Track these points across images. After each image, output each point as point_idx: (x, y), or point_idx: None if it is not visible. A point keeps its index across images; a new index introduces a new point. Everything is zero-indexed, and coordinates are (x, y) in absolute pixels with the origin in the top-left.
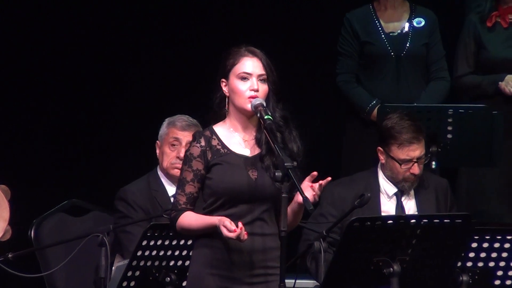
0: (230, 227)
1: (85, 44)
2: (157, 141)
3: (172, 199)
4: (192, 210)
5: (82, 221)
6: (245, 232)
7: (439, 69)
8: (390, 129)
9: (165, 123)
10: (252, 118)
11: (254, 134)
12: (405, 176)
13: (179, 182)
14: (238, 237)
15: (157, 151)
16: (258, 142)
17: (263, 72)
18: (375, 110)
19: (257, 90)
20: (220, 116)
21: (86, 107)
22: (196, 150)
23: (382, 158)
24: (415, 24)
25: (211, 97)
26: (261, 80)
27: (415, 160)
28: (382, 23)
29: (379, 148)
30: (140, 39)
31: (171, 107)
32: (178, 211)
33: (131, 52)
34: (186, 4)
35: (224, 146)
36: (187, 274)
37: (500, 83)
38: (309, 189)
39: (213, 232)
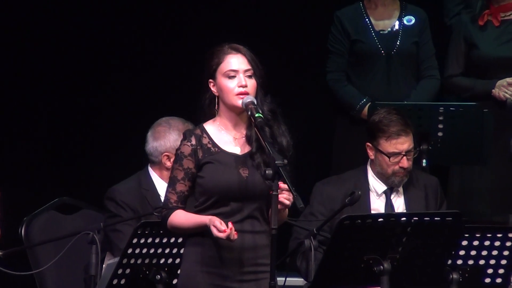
0: (220, 227)
1: (73, 43)
2: (167, 154)
3: (162, 198)
4: (183, 208)
5: (72, 219)
6: (235, 232)
7: (429, 68)
8: (378, 123)
9: (174, 134)
10: (242, 115)
11: (245, 132)
12: (394, 170)
13: (170, 181)
14: (228, 237)
15: (168, 163)
16: (248, 140)
17: (249, 67)
18: (365, 108)
19: (245, 86)
20: (210, 116)
21: (77, 105)
22: (187, 149)
23: (371, 153)
24: (405, 22)
25: (200, 98)
26: (248, 75)
27: (403, 153)
28: (373, 21)
29: (368, 143)
30: (128, 39)
31: (161, 106)
32: (169, 210)
33: (120, 52)
34: (177, 3)
35: (214, 144)
36: (179, 271)
37: (493, 91)
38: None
39: (204, 230)
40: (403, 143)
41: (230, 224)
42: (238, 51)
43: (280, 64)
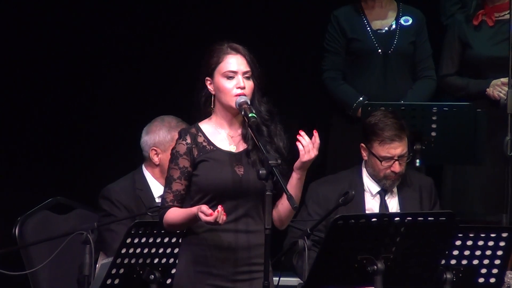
0: (206, 211)
1: (68, 43)
2: (154, 148)
3: (156, 198)
4: (180, 207)
5: (66, 219)
6: (224, 214)
7: (426, 68)
8: (373, 126)
9: (164, 130)
10: (238, 115)
11: (240, 130)
12: (386, 174)
13: (167, 180)
14: (216, 221)
15: (155, 158)
16: (244, 138)
17: (248, 69)
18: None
19: (243, 88)
20: (205, 114)
21: (70, 105)
22: (182, 148)
23: (364, 154)
24: (402, 22)
25: (195, 95)
26: (246, 77)
27: (396, 158)
28: (370, 21)
29: (362, 144)
30: (123, 39)
31: (156, 106)
32: (164, 209)
33: (115, 52)
34: (171, 2)
35: (210, 142)
36: (174, 271)
37: (487, 90)
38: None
39: (197, 228)
40: (396, 148)
41: (219, 207)
42: (238, 51)
43: (276, 63)
